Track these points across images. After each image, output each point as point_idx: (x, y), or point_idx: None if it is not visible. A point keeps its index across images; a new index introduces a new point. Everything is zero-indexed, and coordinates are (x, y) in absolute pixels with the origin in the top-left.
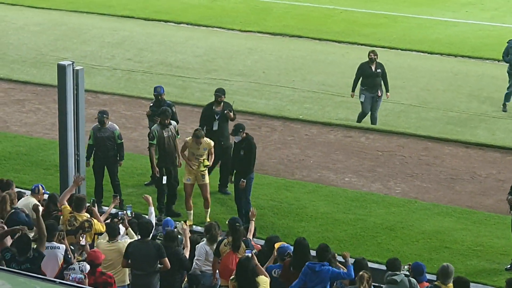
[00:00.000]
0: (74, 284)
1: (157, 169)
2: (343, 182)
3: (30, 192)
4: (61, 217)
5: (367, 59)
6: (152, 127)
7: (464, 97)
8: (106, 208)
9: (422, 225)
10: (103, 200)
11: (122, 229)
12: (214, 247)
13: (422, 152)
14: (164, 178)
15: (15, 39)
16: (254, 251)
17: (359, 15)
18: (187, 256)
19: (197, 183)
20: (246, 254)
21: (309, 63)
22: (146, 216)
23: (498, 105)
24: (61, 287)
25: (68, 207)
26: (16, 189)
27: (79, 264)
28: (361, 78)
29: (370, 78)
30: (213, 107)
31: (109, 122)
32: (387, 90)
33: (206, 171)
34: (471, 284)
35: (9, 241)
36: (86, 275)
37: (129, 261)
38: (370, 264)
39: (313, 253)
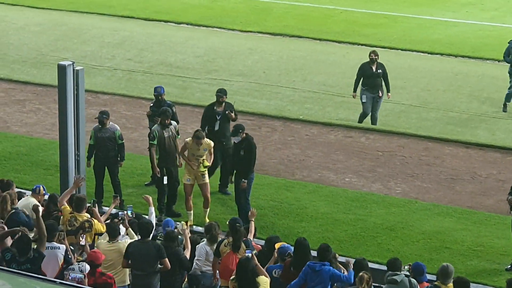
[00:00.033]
0: (74, 285)
1: (157, 169)
2: (344, 182)
3: (30, 192)
4: (61, 217)
5: (368, 60)
6: (153, 128)
7: (465, 98)
8: (107, 208)
9: (422, 225)
10: (103, 201)
11: (122, 229)
12: (215, 247)
13: (423, 152)
14: (165, 178)
15: (15, 39)
16: (254, 252)
17: (359, 15)
18: (188, 256)
19: (197, 182)
20: (246, 254)
21: (309, 63)
22: (146, 216)
23: (498, 106)
24: (61, 287)
25: (68, 208)
26: (16, 189)
27: (78, 264)
28: (362, 79)
29: (371, 79)
30: (215, 108)
31: (110, 123)
32: (388, 91)
33: (206, 171)
34: (472, 284)
35: (9, 241)
36: (86, 275)
37: (129, 262)
38: (370, 265)
39: (313, 253)
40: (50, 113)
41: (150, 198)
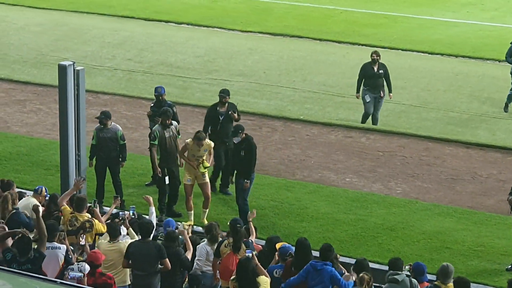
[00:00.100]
0: (74, 284)
1: (159, 169)
2: (344, 183)
3: (30, 192)
4: (62, 217)
5: (370, 60)
6: (154, 128)
7: (465, 98)
8: (107, 208)
9: (422, 225)
10: (104, 201)
11: (123, 229)
12: (215, 247)
13: (423, 153)
14: (166, 178)
15: (16, 40)
16: (254, 252)
17: (360, 16)
18: (189, 257)
19: (197, 182)
20: (247, 254)
21: (309, 64)
22: (147, 217)
23: (498, 106)
24: (61, 287)
25: (68, 208)
26: (17, 190)
27: (78, 264)
28: (363, 79)
29: (372, 79)
30: (218, 108)
31: (112, 123)
32: (389, 91)
33: (206, 171)
34: (472, 284)
35: (10, 241)
36: (86, 275)
37: (130, 262)
38: (371, 265)
39: (314, 253)
40: (51, 113)
41: (151, 198)
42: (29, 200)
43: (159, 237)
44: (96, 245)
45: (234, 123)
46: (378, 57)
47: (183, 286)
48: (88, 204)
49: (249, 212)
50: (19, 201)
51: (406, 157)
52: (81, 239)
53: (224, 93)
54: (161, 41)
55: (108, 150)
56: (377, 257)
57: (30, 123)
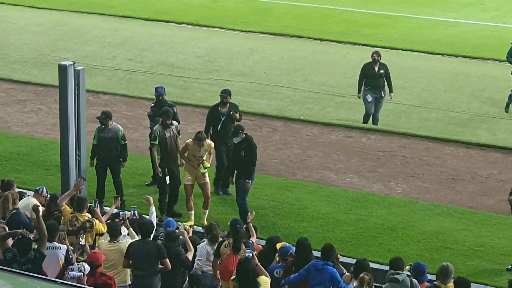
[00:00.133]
0: (75, 284)
1: (159, 169)
2: (344, 183)
3: (30, 192)
4: (62, 217)
5: (370, 60)
6: (154, 128)
7: (465, 98)
8: (107, 208)
9: (423, 225)
10: (104, 201)
11: (124, 229)
12: (215, 247)
13: (423, 153)
14: (167, 178)
15: (16, 40)
16: (254, 252)
17: (360, 16)
18: (190, 258)
19: (197, 182)
20: (247, 254)
21: (310, 64)
22: (147, 217)
23: (499, 106)
24: (62, 287)
25: (68, 208)
26: (17, 190)
27: (78, 264)
28: (364, 79)
29: (373, 79)
30: (219, 108)
31: (113, 123)
32: (390, 91)
33: (207, 171)
34: (472, 284)
35: (10, 241)
36: (86, 275)
37: (130, 262)
38: (371, 265)
39: (315, 253)
40: (51, 113)
41: (151, 198)
42: (29, 200)
43: (159, 237)
44: (96, 245)
45: (235, 123)
46: (379, 57)
47: (184, 286)
48: (89, 204)
49: (249, 213)
50: (19, 201)
51: (407, 157)
52: (81, 239)
53: (226, 94)
54: (161, 41)
55: (108, 150)
56: (378, 257)
57: (30, 123)
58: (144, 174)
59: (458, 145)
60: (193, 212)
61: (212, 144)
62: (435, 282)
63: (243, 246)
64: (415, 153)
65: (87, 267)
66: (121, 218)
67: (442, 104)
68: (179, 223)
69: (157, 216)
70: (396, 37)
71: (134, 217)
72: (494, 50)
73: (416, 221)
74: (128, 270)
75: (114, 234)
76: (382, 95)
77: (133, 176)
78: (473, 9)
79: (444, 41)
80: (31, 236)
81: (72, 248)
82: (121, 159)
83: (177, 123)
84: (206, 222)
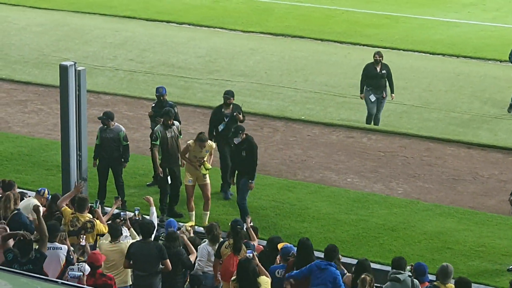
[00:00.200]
0: (75, 285)
1: (160, 169)
2: (345, 183)
3: (31, 193)
4: (63, 218)
5: (372, 60)
6: (155, 128)
7: (466, 98)
8: (109, 208)
9: (424, 225)
10: (105, 201)
11: (125, 230)
12: (216, 247)
13: (424, 153)
14: (168, 178)
15: (17, 40)
16: (255, 253)
17: (361, 16)
18: (193, 260)
19: (198, 183)
20: (247, 254)
21: (311, 64)
22: (147, 217)
23: (500, 106)
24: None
25: (68, 209)
26: (18, 190)
27: (78, 265)
28: (366, 79)
29: (375, 79)
30: (222, 110)
31: (116, 124)
32: (391, 91)
33: (208, 172)
34: (473, 285)
35: (11, 242)
36: (86, 276)
37: (131, 262)
38: (372, 265)
39: (316, 253)
40: (52, 114)
41: (151, 199)
42: (30, 201)
43: (160, 238)
44: (97, 245)
45: (235, 124)
46: (380, 58)
47: (184, 286)
48: (90, 204)
49: (246, 217)
50: (20, 201)
51: (408, 157)
52: (81, 239)
53: (229, 95)
54: (162, 42)
55: (110, 151)
56: (379, 257)
57: (31, 123)
58: (145, 174)
59: (459, 145)
60: (194, 212)
61: (214, 145)
62: (435, 283)
63: (243, 246)
64: (416, 154)
65: (87, 268)
66: (122, 219)
67: (443, 105)
68: (180, 223)
69: (158, 217)
70: (397, 38)
71: (138, 218)
72: (495, 51)
73: (417, 222)
74: (129, 270)
75: (115, 234)
76: (384, 95)
77: (134, 177)
78: (474, 9)
79: (445, 42)
80: (32, 237)
81: (73, 249)
82: (122, 160)
83: (178, 124)
84: (207, 224)
